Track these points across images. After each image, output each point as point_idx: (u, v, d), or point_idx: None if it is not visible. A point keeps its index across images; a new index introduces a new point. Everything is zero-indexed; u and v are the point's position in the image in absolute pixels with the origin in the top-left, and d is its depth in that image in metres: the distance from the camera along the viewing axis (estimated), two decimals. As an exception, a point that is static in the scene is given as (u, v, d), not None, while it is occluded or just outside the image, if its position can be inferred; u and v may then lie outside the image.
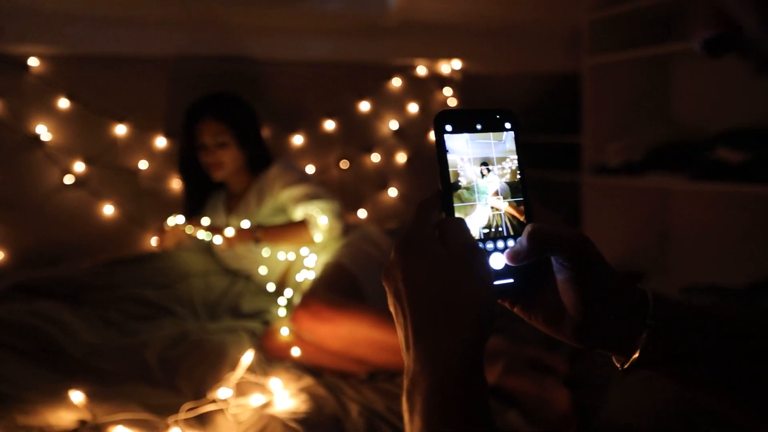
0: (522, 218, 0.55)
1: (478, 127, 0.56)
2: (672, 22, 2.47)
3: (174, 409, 1.25)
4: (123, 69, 2.26)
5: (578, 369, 1.32)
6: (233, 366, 1.42)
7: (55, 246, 2.16)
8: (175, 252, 2.06)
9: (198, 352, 1.51)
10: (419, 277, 0.49)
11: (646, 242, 2.82)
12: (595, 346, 0.52)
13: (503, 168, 0.56)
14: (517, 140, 0.57)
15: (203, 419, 1.25)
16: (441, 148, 0.54)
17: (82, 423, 1.15)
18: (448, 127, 0.55)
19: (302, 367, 1.48)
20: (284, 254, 1.97)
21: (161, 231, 2.05)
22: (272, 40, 2.41)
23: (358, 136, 2.69)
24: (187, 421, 1.22)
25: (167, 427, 1.18)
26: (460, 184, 0.54)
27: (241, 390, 1.34)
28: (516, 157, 0.56)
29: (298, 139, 2.56)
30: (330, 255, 1.87)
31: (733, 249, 2.51)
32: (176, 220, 2.02)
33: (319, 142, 2.61)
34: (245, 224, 1.95)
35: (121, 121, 2.25)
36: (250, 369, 1.41)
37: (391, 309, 0.51)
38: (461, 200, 0.54)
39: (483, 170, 0.55)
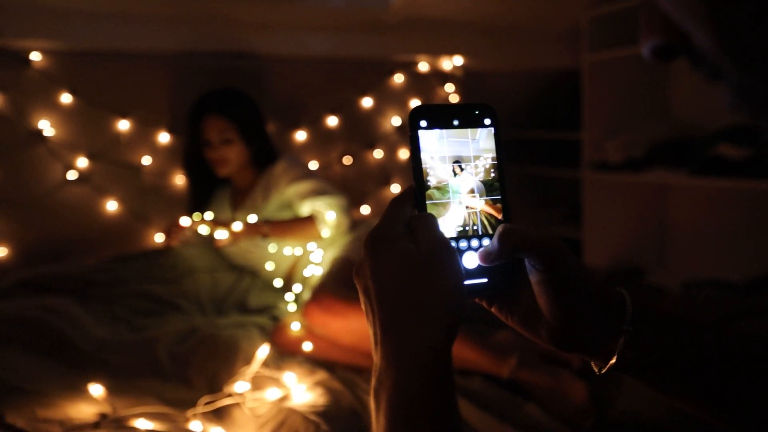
0: (500, 216, 0.54)
1: (455, 122, 0.54)
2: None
3: (190, 403, 1.25)
4: (126, 64, 2.25)
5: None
6: (246, 360, 1.42)
7: (58, 242, 2.14)
8: (181, 248, 2.04)
9: (209, 347, 1.51)
10: (387, 274, 0.47)
11: (647, 238, 2.85)
12: (571, 350, 0.51)
13: (478, 166, 0.54)
14: (497, 136, 0.55)
15: (220, 413, 1.25)
16: (414, 145, 0.52)
17: (103, 416, 1.15)
18: (423, 123, 0.53)
19: (314, 362, 1.49)
20: (291, 249, 1.97)
21: (175, 226, 1.99)
22: (275, 36, 2.40)
23: (361, 132, 2.69)
24: (205, 415, 1.22)
25: (186, 420, 1.18)
26: (429, 183, 0.52)
27: (256, 384, 1.34)
28: (494, 154, 0.54)
29: (300, 135, 2.55)
30: (338, 250, 1.87)
31: (734, 244, 2.54)
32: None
33: (321, 138, 2.61)
34: (252, 219, 1.95)
35: (124, 116, 2.23)
36: (264, 363, 1.42)
37: (362, 306, 0.50)
38: (433, 199, 0.52)
39: (456, 168, 0.53)
